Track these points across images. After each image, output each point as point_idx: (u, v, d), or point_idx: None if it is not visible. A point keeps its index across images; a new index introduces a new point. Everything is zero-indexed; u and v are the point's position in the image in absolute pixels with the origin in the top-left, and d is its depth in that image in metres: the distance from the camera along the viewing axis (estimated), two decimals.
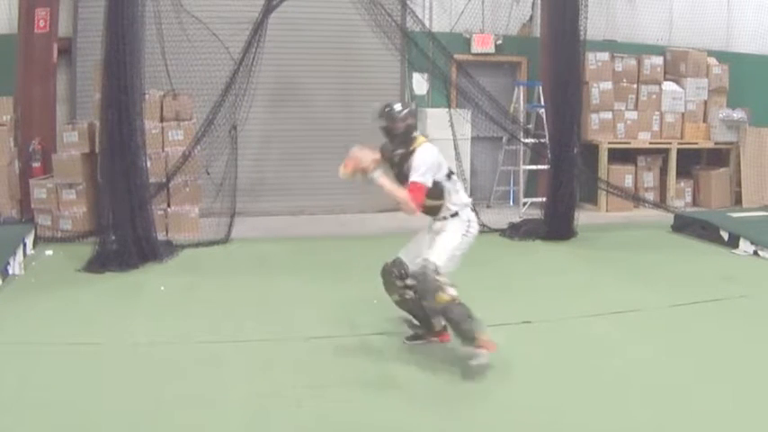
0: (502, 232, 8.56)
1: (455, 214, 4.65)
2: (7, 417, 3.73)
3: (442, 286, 4.37)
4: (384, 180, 4.52)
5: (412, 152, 4.55)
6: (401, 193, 4.46)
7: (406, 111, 4.64)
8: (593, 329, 5.28)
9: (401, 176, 4.60)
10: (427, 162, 4.48)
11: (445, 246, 4.56)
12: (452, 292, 4.39)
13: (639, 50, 10.74)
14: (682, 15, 10.96)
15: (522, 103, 10.25)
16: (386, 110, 4.64)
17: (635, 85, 10.61)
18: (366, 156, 4.62)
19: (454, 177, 4.69)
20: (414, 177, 4.42)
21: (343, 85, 9.95)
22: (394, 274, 4.73)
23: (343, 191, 9.79)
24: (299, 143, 9.78)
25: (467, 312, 4.38)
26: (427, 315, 4.73)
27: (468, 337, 4.37)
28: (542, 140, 9.55)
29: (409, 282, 4.69)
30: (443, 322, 4.63)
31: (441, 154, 4.62)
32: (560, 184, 8.26)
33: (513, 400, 4.07)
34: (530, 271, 7.14)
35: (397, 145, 4.64)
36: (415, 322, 4.93)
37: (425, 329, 4.87)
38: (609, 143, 10.32)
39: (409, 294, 4.72)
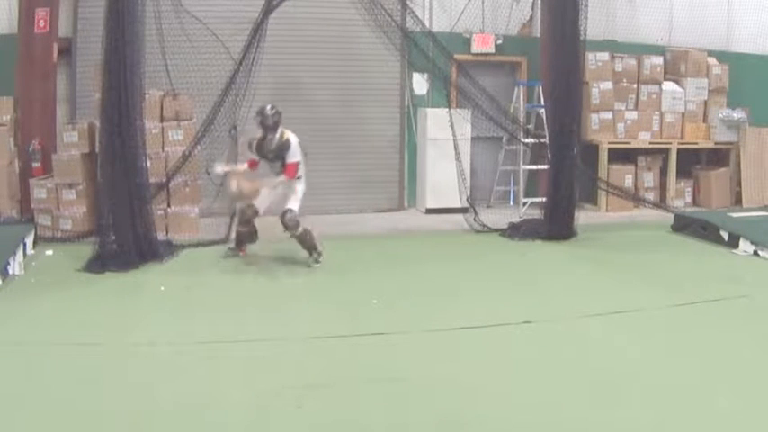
0: (502, 232, 8.56)
1: (299, 178, 7.00)
2: (7, 416, 3.73)
3: (298, 224, 6.94)
4: (270, 184, 6.89)
5: (286, 140, 6.82)
6: (281, 178, 6.86)
7: (273, 110, 6.84)
8: (594, 329, 5.28)
9: (278, 158, 6.88)
10: (297, 146, 6.89)
11: (297, 198, 6.99)
12: (304, 226, 7.01)
13: (639, 50, 10.74)
14: (682, 15, 10.95)
15: (522, 103, 10.25)
16: (260, 110, 6.87)
17: (635, 85, 10.62)
18: (252, 187, 6.80)
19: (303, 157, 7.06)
20: (293, 159, 6.83)
21: (343, 85, 9.95)
22: (250, 214, 7.03)
23: (343, 191, 9.80)
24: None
25: (311, 236, 7.04)
26: (247, 241, 7.28)
27: (310, 249, 7.08)
28: (542, 140, 9.54)
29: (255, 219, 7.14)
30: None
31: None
32: (560, 184, 8.25)
33: (514, 399, 4.07)
34: (530, 271, 7.14)
35: (269, 133, 6.81)
36: (232, 246, 7.40)
37: (237, 248, 7.33)
38: (609, 143, 10.33)
39: (252, 227, 7.15)
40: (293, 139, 6.89)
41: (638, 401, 3.98)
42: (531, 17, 10.63)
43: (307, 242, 7.05)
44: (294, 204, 6.96)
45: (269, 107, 6.88)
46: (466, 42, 10.29)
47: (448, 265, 7.26)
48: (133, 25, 6.84)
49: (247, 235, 7.23)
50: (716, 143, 10.86)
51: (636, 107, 10.63)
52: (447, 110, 8.94)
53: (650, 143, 10.65)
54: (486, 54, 10.38)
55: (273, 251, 7.32)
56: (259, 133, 6.95)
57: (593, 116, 10.38)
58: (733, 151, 10.85)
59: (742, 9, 11.13)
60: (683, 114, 10.78)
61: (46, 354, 4.65)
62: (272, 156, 6.93)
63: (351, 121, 9.94)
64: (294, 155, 6.88)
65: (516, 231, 8.50)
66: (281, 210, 6.93)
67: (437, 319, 5.44)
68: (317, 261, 7.05)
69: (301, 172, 7.01)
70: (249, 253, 7.30)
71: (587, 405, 3.99)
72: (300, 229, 6.96)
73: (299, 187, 7.04)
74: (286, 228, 6.92)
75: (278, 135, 6.84)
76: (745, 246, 7.60)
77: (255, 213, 7.05)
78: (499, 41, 10.41)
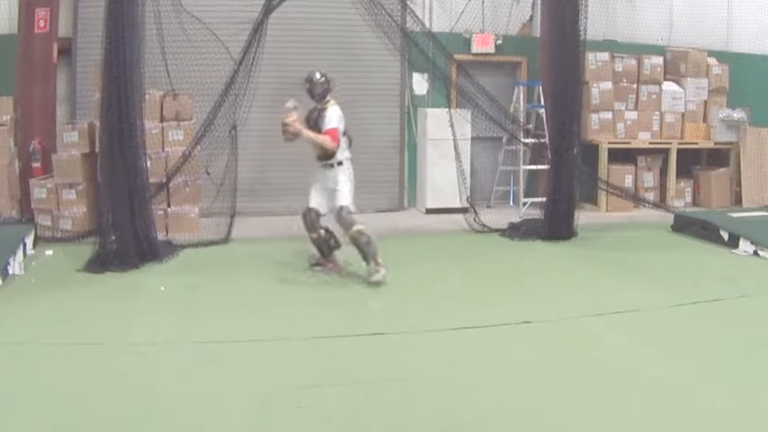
0: (502, 232, 8.56)
1: (341, 163, 6.51)
2: (7, 417, 3.73)
3: (354, 222, 6.35)
4: (309, 134, 6.41)
5: (324, 109, 6.45)
6: (321, 138, 6.37)
7: (322, 78, 6.53)
8: (593, 329, 5.28)
9: (315, 127, 6.46)
10: (336, 115, 6.45)
11: (344, 191, 6.46)
12: (360, 226, 6.36)
13: (639, 50, 10.74)
14: (682, 15, 10.96)
15: (522, 103, 10.25)
16: (308, 77, 6.56)
17: (635, 85, 10.62)
18: (297, 127, 6.40)
19: (346, 135, 6.61)
20: (329, 126, 6.36)
21: (343, 85, 9.87)
22: (312, 217, 6.57)
23: None
24: (298, 143, 9.77)
25: (369, 239, 6.33)
26: (329, 248, 6.70)
27: (371, 257, 6.32)
28: (542, 140, 9.54)
29: (321, 222, 6.62)
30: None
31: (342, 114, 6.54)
32: (560, 184, 8.25)
33: (513, 399, 4.07)
34: (529, 271, 7.14)
35: (317, 102, 6.51)
36: (316, 254, 6.82)
37: (324, 258, 6.80)
38: (609, 143, 10.33)
39: (321, 232, 6.62)
40: (334, 108, 6.48)
41: (638, 401, 3.98)
42: (531, 17, 10.64)
43: (361, 245, 6.32)
44: (343, 200, 6.40)
45: (318, 74, 6.51)
46: (466, 42, 10.30)
47: (448, 265, 7.26)
48: (133, 25, 6.83)
49: (324, 241, 6.64)
50: (716, 143, 10.86)
51: (636, 107, 10.64)
52: (447, 110, 8.94)
53: (650, 143, 10.65)
54: (486, 54, 10.38)
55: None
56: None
57: (593, 116, 10.38)
58: (733, 151, 10.86)
59: (742, 9, 11.14)
60: (683, 114, 10.79)
61: (46, 354, 4.65)
62: (312, 123, 6.49)
63: (351, 121, 9.81)
64: (330, 121, 6.38)
65: (516, 231, 8.50)
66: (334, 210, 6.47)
67: (437, 319, 5.44)
68: (377, 272, 6.26)
69: (341, 157, 6.49)
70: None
71: (587, 405, 3.99)
72: (355, 229, 6.30)
73: (342, 178, 6.49)
74: (341, 227, 6.43)
75: (325, 103, 6.50)
76: (745, 246, 7.60)
77: (318, 215, 6.56)
78: (499, 41, 10.41)
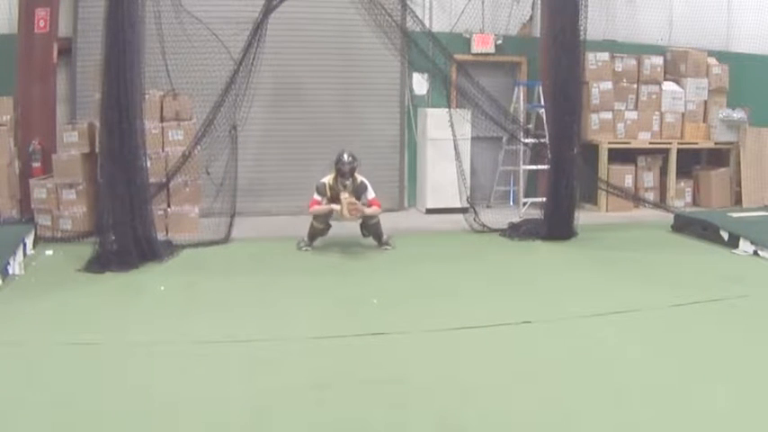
0: (502, 232, 8.57)
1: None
2: (7, 417, 3.73)
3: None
4: (367, 210, 7.54)
5: (361, 183, 7.57)
6: (374, 210, 7.62)
7: (350, 158, 7.51)
8: (593, 329, 5.28)
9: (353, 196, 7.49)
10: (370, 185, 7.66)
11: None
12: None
13: (639, 50, 10.75)
14: (682, 15, 10.97)
15: (522, 103, 10.25)
16: (338, 158, 7.49)
17: (635, 85, 10.62)
18: (357, 204, 7.43)
19: None
20: (371, 195, 7.61)
21: (343, 86, 9.95)
22: (324, 233, 7.77)
23: None
24: (298, 143, 9.80)
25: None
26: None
27: (380, 237, 7.80)
28: (542, 140, 9.54)
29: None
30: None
31: None
32: (560, 184, 8.25)
33: (514, 399, 4.07)
34: (530, 271, 7.14)
35: (347, 177, 7.47)
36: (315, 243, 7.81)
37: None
38: (609, 143, 10.33)
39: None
40: (363, 179, 7.61)
41: (638, 401, 3.98)
42: (531, 17, 10.65)
43: (379, 230, 7.75)
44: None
45: (346, 155, 7.47)
46: (466, 42, 10.30)
47: (448, 265, 7.26)
48: (133, 25, 6.83)
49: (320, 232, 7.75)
50: (716, 143, 10.87)
51: (636, 107, 10.64)
52: (447, 110, 8.94)
53: (650, 143, 10.65)
54: (486, 54, 10.38)
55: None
56: (326, 178, 7.55)
57: (593, 116, 10.39)
58: (733, 151, 10.86)
59: (742, 9, 11.15)
60: (683, 114, 10.79)
61: (46, 354, 4.65)
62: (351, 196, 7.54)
63: (351, 122, 9.94)
64: (371, 192, 7.61)
65: (516, 231, 8.50)
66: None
67: (437, 318, 5.44)
68: (388, 245, 7.80)
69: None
70: None
71: (587, 405, 3.99)
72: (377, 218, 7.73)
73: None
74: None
75: (353, 179, 7.51)
76: (745, 246, 7.60)
77: (326, 231, 7.74)
78: (499, 41, 10.42)
